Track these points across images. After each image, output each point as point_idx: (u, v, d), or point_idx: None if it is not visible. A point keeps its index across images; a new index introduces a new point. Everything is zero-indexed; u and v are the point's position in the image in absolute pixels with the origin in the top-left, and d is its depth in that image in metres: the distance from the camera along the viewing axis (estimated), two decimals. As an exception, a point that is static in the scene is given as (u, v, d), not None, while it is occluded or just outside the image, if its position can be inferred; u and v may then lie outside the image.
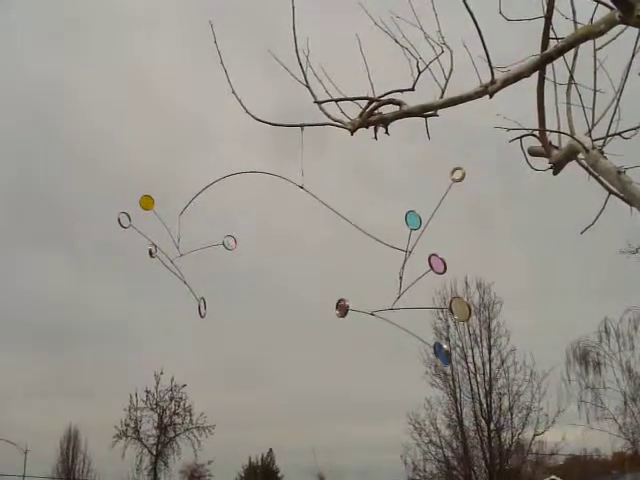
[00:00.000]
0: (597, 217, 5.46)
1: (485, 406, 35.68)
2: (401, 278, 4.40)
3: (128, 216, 5.56)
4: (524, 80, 4.74)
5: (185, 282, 5.50)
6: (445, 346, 4.29)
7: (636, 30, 4.68)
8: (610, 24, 4.39)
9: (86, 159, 62.75)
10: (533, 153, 5.68)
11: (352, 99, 5.18)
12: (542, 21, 4.69)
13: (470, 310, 4.30)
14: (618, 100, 5.23)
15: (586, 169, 5.39)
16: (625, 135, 5.52)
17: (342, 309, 4.51)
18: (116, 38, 62.79)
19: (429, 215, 4.35)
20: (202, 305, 5.46)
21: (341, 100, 5.17)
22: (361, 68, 5.18)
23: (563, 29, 4.84)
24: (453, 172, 4.52)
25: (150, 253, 5.58)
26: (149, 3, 57.14)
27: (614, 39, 5.06)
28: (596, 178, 5.27)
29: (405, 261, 4.44)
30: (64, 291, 61.58)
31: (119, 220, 5.54)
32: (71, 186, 64.11)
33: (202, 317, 5.44)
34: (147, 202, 5.58)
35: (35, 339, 58.03)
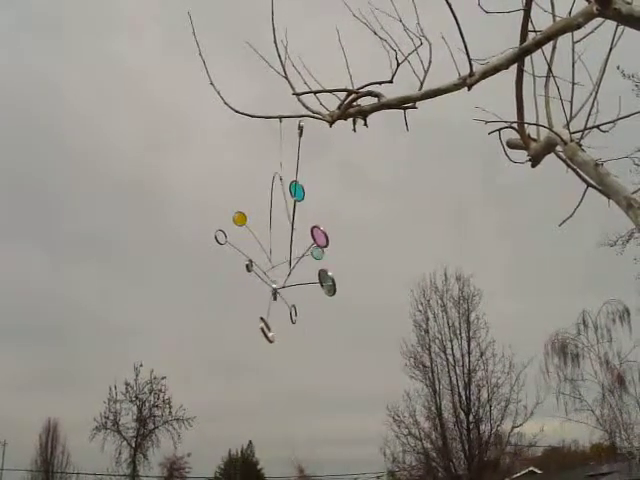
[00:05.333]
0: (575, 209, 5.49)
1: (464, 398, 35.86)
2: (290, 253, 4.40)
3: (224, 233, 5.67)
4: (503, 74, 4.73)
5: (278, 292, 5.47)
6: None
7: (614, 23, 4.70)
8: (588, 17, 4.40)
9: (74, 152, 62.32)
10: (512, 145, 5.69)
11: (331, 91, 5.15)
12: (521, 14, 4.68)
13: (334, 284, 4.17)
14: (596, 93, 5.26)
15: (564, 161, 5.41)
16: (603, 128, 5.54)
17: None
18: (104, 36, 62.41)
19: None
20: (293, 312, 5.45)
21: (320, 92, 5.14)
22: (340, 60, 5.16)
23: (542, 22, 4.85)
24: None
25: (247, 268, 5.65)
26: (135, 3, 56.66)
27: (592, 32, 5.07)
28: (574, 170, 5.29)
29: (292, 234, 4.41)
30: (43, 284, 61.19)
31: (216, 237, 5.67)
32: (59, 179, 63.72)
33: (293, 323, 5.41)
34: (241, 218, 5.70)
35: (14, 332, 57.53)
